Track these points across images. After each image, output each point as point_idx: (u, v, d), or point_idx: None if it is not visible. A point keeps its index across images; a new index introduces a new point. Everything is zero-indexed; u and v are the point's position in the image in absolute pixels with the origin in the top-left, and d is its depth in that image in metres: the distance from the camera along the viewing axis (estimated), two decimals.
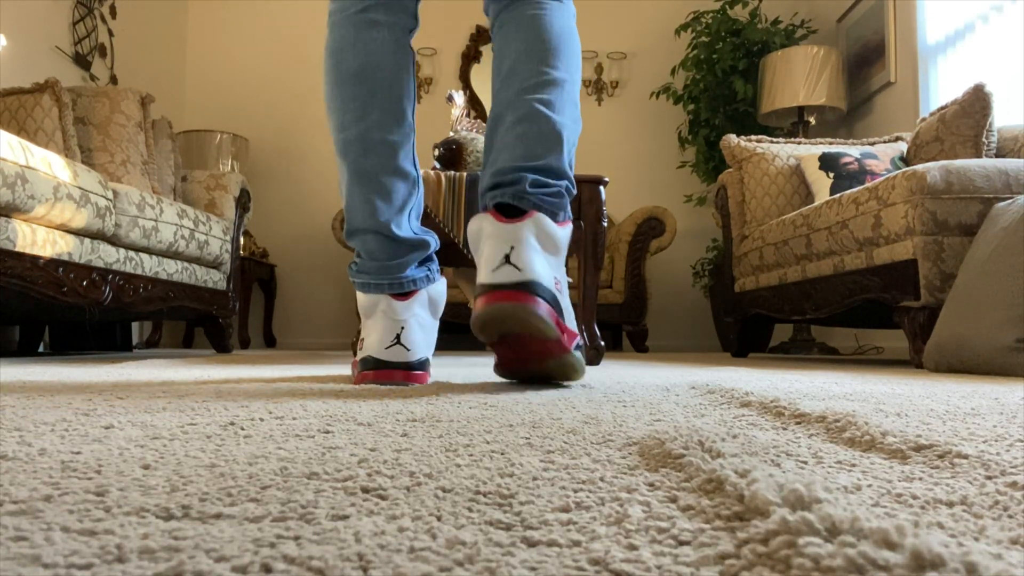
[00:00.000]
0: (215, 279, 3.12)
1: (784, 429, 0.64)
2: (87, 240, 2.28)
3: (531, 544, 0.29)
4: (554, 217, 1.07)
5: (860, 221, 2.19)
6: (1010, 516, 0.34)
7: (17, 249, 1.97)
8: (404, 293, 1.15)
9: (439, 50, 4.88)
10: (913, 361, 1.97)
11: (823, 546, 0.25)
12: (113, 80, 4.01)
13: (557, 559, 0.27)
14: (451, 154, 2.33)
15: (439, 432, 0.59)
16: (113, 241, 2.42)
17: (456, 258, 2.24)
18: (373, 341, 1.13)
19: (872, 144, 3.08)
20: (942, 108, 2.69)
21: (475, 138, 2.42)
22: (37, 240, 2.04)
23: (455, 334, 4.42)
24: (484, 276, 0.99)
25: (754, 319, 3.13)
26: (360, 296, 1.18)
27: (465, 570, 0.26)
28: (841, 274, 2.35)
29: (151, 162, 3.05)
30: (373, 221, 1.16)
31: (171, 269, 2.75)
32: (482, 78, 4.88)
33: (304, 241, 4.87)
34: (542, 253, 1.02)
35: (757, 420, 0.70)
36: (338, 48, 1.17)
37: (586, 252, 2.17)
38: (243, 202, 3.33)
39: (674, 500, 0.36)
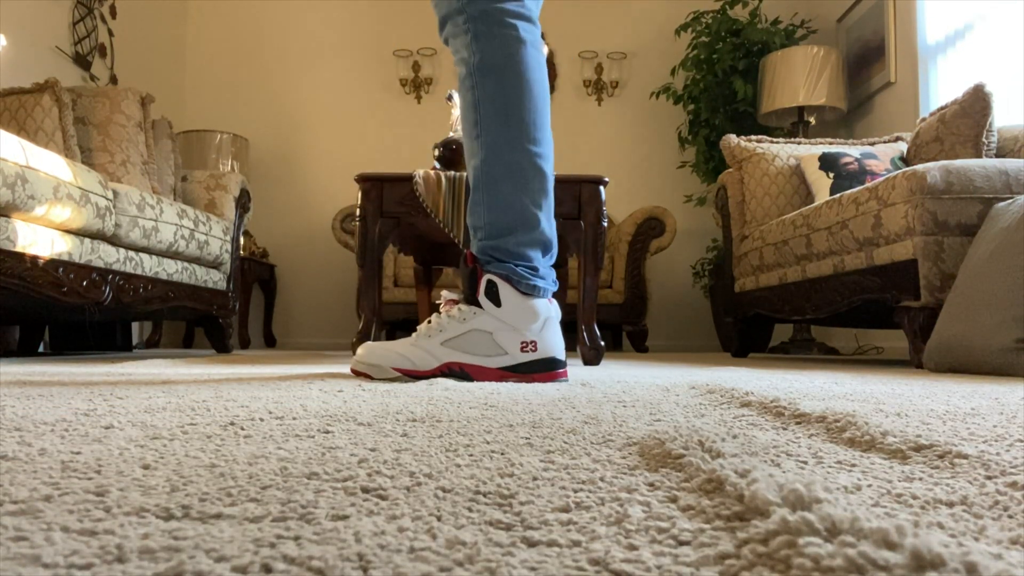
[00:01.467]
0: (215, 279, 3.12)
1: (784, 429, 0.64)
2: (87, 240, 2.28)
3: (531, 544, 0.29)
4: None
5: (860, 221, 2.19)
6: (1010, 516, 0.34)
7: (17, 249, 1.97)
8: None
9: (439, 50, 4.88)
10: (913, 361, 1.97)
11: (823, 546, 0.25)
12: (113, 80, 4.01)
13: (557, 559, 0.27)
14: (451, 154, 2.32)
15: (439, 432, 0.59)
16: (113, 241, 2.42)
17: (456, 258, 2.23)
18: (555, 346, 1.26)
19: (872, 144, 3.08)
20: (942, 108, 2.68)
21: None
22: (37, 240, 2.04)
23: None
24: None
25: (754, 319, 3.13)
26: (529, 305, 1.24)
27: (465, 570, 0.26)
28: (841, 274, 2.35)
29: (151, 162, 3.04)
30: (552, 236, 1.31)
31: (171, 269, 2.75)
32: None
33: (304, 241, 4.86)
34: None
35: (757, 420, 0.70)
36: (536, 66, 1.25)
37: (586, 252, 2.17)
38: (243, 202, 3.32)
39: (674, 500, 0.36)
